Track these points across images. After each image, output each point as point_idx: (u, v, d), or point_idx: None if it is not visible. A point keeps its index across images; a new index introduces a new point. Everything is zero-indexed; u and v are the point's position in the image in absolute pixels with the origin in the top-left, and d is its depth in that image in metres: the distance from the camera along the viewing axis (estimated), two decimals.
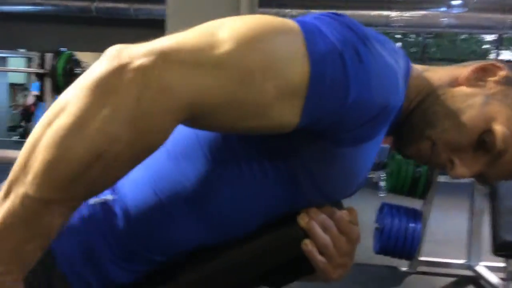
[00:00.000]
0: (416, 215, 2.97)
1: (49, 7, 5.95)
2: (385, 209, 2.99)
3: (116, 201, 0.61)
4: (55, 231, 0.49)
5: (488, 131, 0.61)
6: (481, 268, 3.25)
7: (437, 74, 0.67)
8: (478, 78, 0.64)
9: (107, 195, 0.61)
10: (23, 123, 10.12)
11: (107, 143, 0.44)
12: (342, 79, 0.51)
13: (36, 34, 6.54)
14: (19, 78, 11.95)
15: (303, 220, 0.61)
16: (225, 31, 0.49)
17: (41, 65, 3.03)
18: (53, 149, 0.44)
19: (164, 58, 0.45)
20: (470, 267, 3.32)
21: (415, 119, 0.65)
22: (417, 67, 0.68)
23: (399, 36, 14.15)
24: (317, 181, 0.61)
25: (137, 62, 0.44)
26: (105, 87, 0.44)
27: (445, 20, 5.26)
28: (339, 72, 0.51)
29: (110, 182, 0.49)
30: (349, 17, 0.56)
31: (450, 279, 3.23)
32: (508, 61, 0.67)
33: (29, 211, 0.46)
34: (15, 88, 11.93)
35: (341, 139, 0.57)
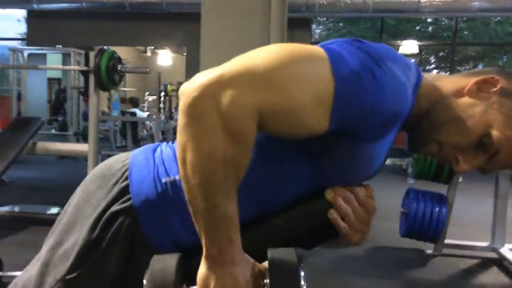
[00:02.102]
0: (442, 200, 3.01)
1: (85, 4, 6.13)
2: (411, 194, 3.06)
3: None
4: (237, 213, 0.66)
5: (487, 136, 0.75)
6: (505, 250, 3.29)
7: (446, 84, 0.81)
8: (479, 89, 0.78)
9: (176, 175, 0.78)
10: (59, 117, 10.37)
11: (221, 150, 0.62)
12: (360, 93, 0.67)
13: (72, 31, 6.70)
14: (56, 73, 12.40)
15: (329, 194, 0.77)
16: (267, 57, 0.66)
17: (86, 63, 3.20)
18: (196, 175, 0.63)
19: (225, 81, 0.62)
20: (494, 250, 3.36)
21: (424, 124, 0.80)
22: (429, 77, 0.82)
23: (430, 20, 13.80)
24: (341, 169, 0.77)
25: (207, 90, 0.62)
26: (196, 117, 0.62)
27: (476, 4, 5.07)
28: (358, 88, 0.67)
29: (242, 171, 0.66)
30: (368, 43, 0.72)
31: (475, 261, 3.28)
32: (507, 72, 0.80)
33: (216, 215, 0.65)
34: (51, 82, 12.41)
35: (361, 137, 0.72)
